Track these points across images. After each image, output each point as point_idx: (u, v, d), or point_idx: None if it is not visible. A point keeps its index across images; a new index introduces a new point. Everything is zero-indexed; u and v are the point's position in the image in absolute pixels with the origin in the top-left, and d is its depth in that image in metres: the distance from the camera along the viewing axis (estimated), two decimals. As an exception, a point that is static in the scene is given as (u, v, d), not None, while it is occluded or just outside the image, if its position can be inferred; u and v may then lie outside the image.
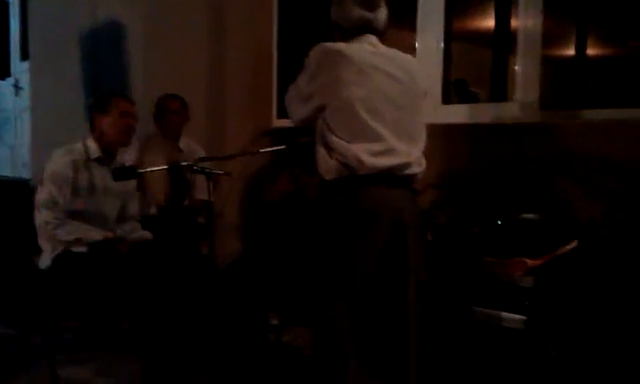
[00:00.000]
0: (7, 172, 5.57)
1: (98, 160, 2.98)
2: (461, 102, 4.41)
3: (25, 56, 5.31)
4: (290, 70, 4.50)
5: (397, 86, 2.16)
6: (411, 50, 3.88)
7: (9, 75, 4.02)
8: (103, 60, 4.07)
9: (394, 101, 2.14)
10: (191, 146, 3.68)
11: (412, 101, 2.20)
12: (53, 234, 2.85)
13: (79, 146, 2.99)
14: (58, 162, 2.91)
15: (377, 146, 2.07)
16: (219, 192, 3.13)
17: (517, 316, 2.41)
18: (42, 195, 2.88)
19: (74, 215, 2.90)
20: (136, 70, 3.94)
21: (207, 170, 2.73)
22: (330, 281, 2.05)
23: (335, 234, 2.05)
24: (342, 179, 2.08)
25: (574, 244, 2.40)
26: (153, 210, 3.49)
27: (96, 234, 2.87)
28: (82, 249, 2.85)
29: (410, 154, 2.15)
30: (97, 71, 4.10)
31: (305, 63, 2.18)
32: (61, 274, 2.84)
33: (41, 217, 2.87)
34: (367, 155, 2.05)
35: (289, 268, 2.73)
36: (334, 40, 2.26)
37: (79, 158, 2.94)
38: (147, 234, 3.13)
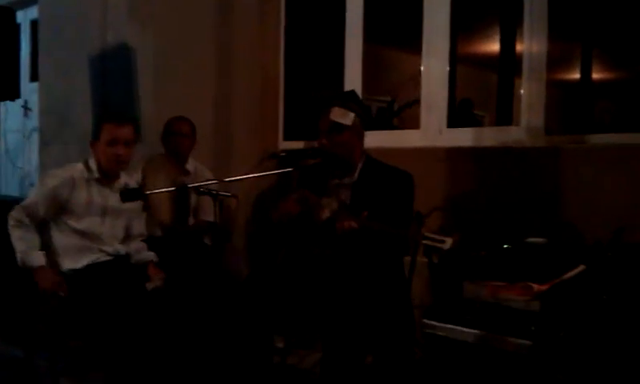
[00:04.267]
0: (15, 192, 5.60)
1: (98, 180, 2.98)
2: (463, 123, 4.43)
3: (34, 77, 5.37)
4: (297, 89, 4.57)
5: None
6: (417, 73, 3.91)
7: (18, 96, 4.04)
8: (112, 82, 4.11)
9: None
10: (199, 168, 3.69)
11: None
12: (9, 230, 2.84)
13: (80, 165, 2.99)
14: (57, 175, 2.93)
15: None
16: (225, 214, 3.14)
17: (523, 341, 2.40)
18: (26, 199, 2.92)
19: (74, 232, 2.91)
20: (145, 92, 3.97)
21: (214, 192, 2.74)
22: None
23: None
24: None
25: (580, 268, 2.39)
26: (158, 232, 3.50)
27: (35, 259, 2.81)
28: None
29: None
30: (106, 93, 4.13)
31: None
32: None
33: (10, 212, 2.87)
34: None
35: (295, 290, 2.73)
36: None
37: (79, 176, 2.94)
38: (152, 255, 3.14)
